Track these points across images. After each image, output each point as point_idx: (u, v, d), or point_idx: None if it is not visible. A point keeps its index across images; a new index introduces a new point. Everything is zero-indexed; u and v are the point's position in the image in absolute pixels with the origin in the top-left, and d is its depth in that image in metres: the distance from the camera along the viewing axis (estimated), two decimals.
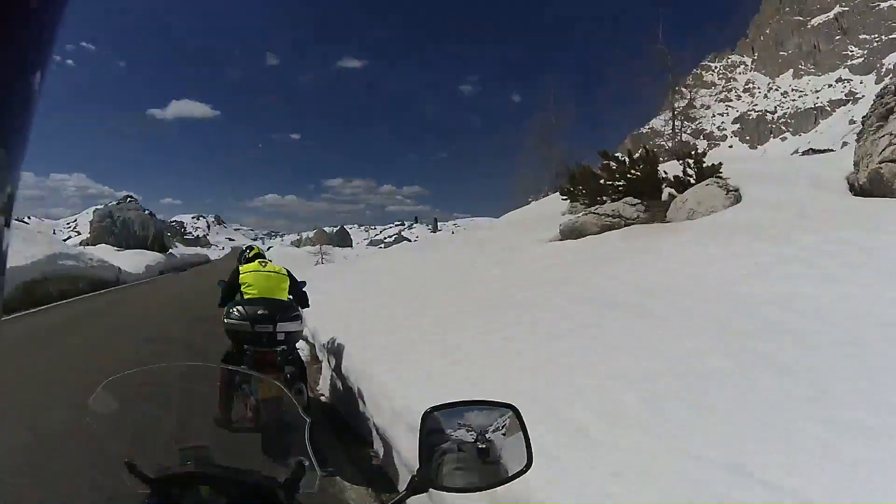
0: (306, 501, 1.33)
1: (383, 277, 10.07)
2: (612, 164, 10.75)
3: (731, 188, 8.35)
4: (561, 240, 9.29)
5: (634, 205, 9.10)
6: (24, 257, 15.50)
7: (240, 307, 4.80)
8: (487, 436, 1.20)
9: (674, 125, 29.41)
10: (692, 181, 9.68)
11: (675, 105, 16.96)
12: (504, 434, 1.21)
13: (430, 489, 1.16)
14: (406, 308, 6.40)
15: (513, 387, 3.32)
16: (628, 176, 10.41)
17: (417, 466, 1.19)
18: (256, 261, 5.56)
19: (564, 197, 12.25)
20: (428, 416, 1.20)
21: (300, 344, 8.87)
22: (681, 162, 10.95)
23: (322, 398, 6.41)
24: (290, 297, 5.36)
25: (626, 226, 8.70)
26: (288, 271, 5.63)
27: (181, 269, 36.70)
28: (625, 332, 4.14)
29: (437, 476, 1.17)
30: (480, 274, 7.87)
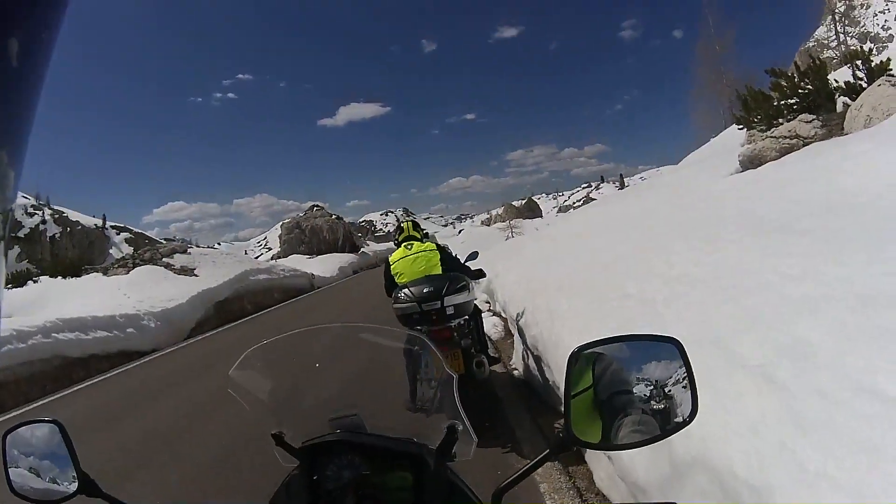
0: (458, 468, 1.27)
1: (566, 241, 9.68)
2: (782, 81, 10.12)
3: None
4: (741, 171, 8.62)
5: (810, 121, 8.28)
6: (213, 280, 17.10)
7: (406, 290, 4.88)
8: (645, 378, 1.00)
9: (836, 29, 26.62)
10: (864, 84, 8.66)
11: (835, 8, 15.46)
12: (664, 374, 1.00)
13: (575, 447, 1.02)
14: (587, 265, 6.15)
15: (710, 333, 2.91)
16: (799, 91, 9.50)
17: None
18: (402, 245, 5.55)
19: (740, 126, 11.47)
20: (576, 356, 1.01)
21: (494, 320, 9.03)
22: (849, 66, 9.99)
23: (515, 372, 6.35)
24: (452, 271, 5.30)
25: (804, 146, 7.92)
26: (439, 245, 5.57)
27: (375, 265, 36.95)
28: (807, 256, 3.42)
29: (583, 431, 1.00)
30: (657, 220, 7.34)
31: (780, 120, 9.69)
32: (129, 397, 7.88)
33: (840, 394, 1.89)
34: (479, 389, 5.29)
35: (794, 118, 8.95)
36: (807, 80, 9.36)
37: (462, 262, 5.74)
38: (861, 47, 9.86)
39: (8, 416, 7.12)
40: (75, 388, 8.80)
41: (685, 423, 0.98)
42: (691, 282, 3.81)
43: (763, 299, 2.94)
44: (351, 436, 1.33)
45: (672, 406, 0.99)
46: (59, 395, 8.40)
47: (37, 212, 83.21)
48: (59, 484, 1.20)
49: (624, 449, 1.03)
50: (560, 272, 6.54)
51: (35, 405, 7.83)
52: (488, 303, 10.63)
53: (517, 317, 6.30)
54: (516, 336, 6.72)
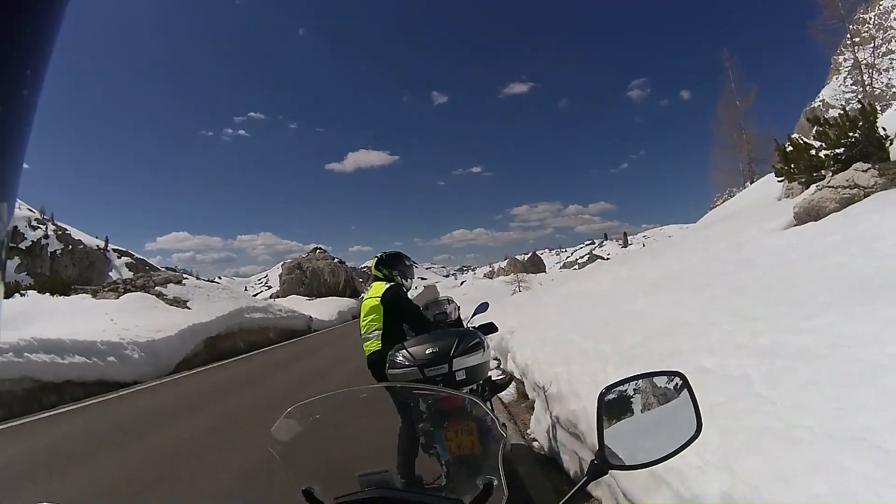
0: None
1: (597, 300, 8.93)
2: (828, 129, 9.49)
3: None
4: (796, 225, 7.97)
5: (866, 170, 7.73)
6: (206, 314, 16.59)
7: (403, 352, 3.96)
8: (659, 406, 1.22)
9: (862, 78, 26.54)
10: None
11: (857, 55, 15.06)
12: (674, 401, 1.22)
13: (609, 471, 1.13)
14: (635, 331, 5.43)
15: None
16: (844, 140, 9.19)
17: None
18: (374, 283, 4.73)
19: (780, 178, 11.13)
20: (603, 396, 1.19)
21: (510, 389, 7.95)
22: None
23: (535, 444, 5.55)
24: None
25: (865, 196, 7.39)
26: (391, 289, 4.58)
27: None
28: None
29: (614, 456, 1.14)
30: (709, 280, 6.52)
31: (823, 171, 9.45)
32: (96, 434, 7.24)
33: None
34: None
35: (838, 169, 8.66)
36: (857, 128, 9.02)
37: (439, 312, 5.00)
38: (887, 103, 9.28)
39: None
40: (43, 416, 8.26)
41: (694, 438, 1.17)
42: (795, 355, 3.09)
43: None
44: (385, 492, 1.34)
45: (682, 426, 1.17)
46: (22, 421, 7.83)
47: (40, 226, 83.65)
48: None
49: (647, 467, 1.17)
50: (600, 337, 5.79)
51: None
52: (497, 360, 9.91)
53: (547, 385, 5.48)
54: (538, 403, 5.98)
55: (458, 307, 5.30)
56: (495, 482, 1.28)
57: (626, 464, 1.15)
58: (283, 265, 47.50)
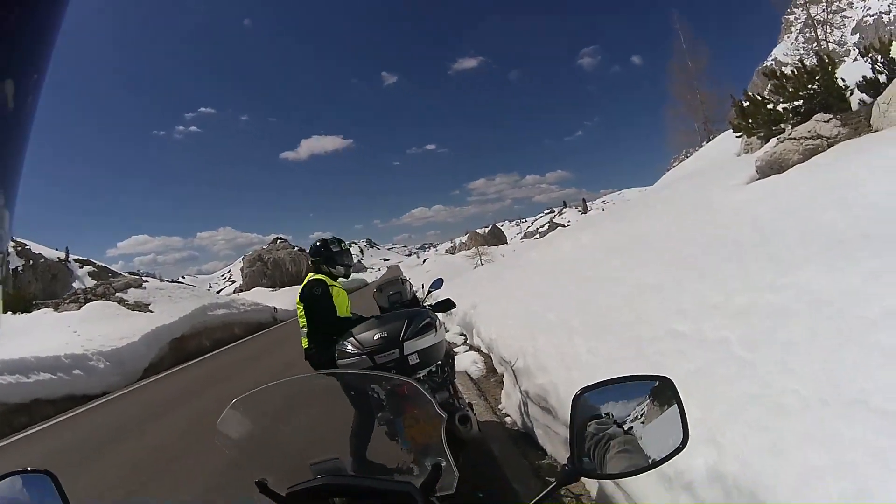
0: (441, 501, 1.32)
1: (559, 269, 8.65)
2: (787, 82, 9.47)
3: None
4: (759, 178, 7.78)
5: (828, 121, 7.60)
6: (168, 316, 16.26)
7: (351, 339, 3.79)
8: (641, 413, 1.11)
9: (816, 34, 26.87)
10: (882, 79, 8.35)
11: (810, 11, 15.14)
12: (658, 409, 1.12)
13: (582, 478, 1.08)
14: (601, 298, 5.26)
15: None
16: (802, 93, 9.15)
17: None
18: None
19: (738, 134, 11.09)
20: (579, 398, 1.11)
21: (473, 356, 7.99)
22: (866, 59, 9.43)
23: (508, 419, 5.41)
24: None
25: (829, 146, 7.27)
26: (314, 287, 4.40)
27: None
28: None
29: (588, 462, 1.09)
30: (676, 242, 6.24)
31: (782, 125, 9.38)
32: (68, 451, 7.05)
33: None
34: (467, 451, 3.84)
35: (798, 122, 8.57)
36: (815, 80, 9.03)
37: (394, 293, 4.86)
38: (881, 39, 9.25)
39: None
40: (14, 438, 8.09)
41: (678, 450, 1.08)
42: (775, 314, 2.94)
43: None
44: (336, 479, 1.37)
45: (667, 435, 1.08)
46: None
47: None
48: None
49: (625, 477, 1.12)
50: (565, 307, 5.65)
51: None
52: (464, 335, 9.89)
53: (513, 360, 5.38)
54: (507, 378, 5.86)
55: (412, 285, 5.11)
56: (443, 463, 1.30)
57: (601, 472, 1.10)
58: (244, 258, 47.16)
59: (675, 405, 1.11)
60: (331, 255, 4.72)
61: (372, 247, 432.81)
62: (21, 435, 8.18)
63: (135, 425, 7.94)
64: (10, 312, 15.65)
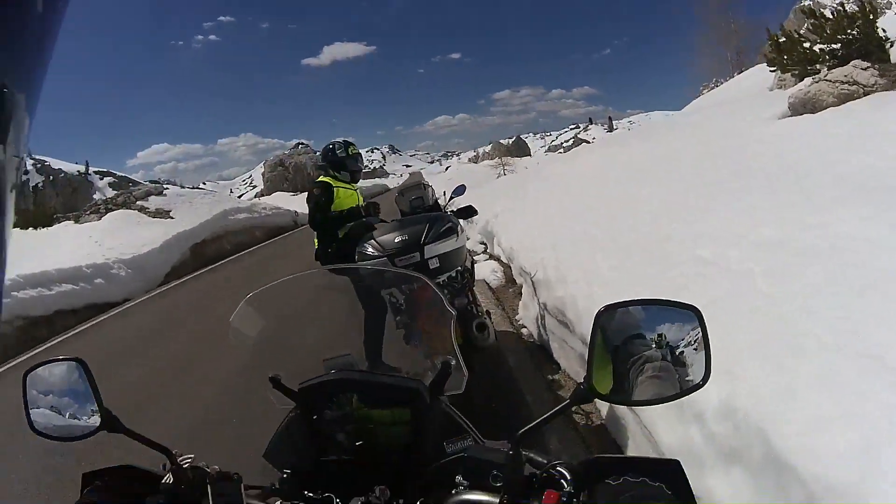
0: (451, 401, 1.35)
1: (583, 184, 8.64)
2: (823, 22, 9.06)
3: None
4: (791, 116, 7.66)
5: (866, 68, 7.43)
6: (189, 222, 16.29)
7: (372, 242, 3.79)
8: (664, 340, 1.02)
9: None
10: None
11: None
12: (683, 340, 1.03)
13: (595, 399, 1.04)
14: (626, 216, 5.16)
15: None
16: (838, 37, 8.75)
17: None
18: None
19: (773, 68, 10.72)
20: (602, 315, 1.02)
21: (492, 265, 8.13)
22: None
23: (524, 331, 5.47)
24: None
25: (865, 94, 7.11)
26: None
27: None
28: None
29: (603, 385, 1.02)
30: (704, 166, 6.15)
31: (817, 66, 9.12)
32: (89, 358, 7.02)
33: None
34: (482, 359, 4.07)
35: (834, 64, 8.37)
36: (854, 25, 8.60)
37: (416, 197, 4.71)
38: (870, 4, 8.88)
39: None
40: (36, 350, 8.10)
41: (698, 385, 1.01)
42: (801, 252, 2.87)
43: None
44: (346, 374, 1.38)
45: (687, 369, 1.01)
46: (15, 362, 7.65)
47: None
48: (80, 420, 1.17)
49: (640, 405, 1.13)
50: (588, 221, 5.61)
51: None
52: (484, 244, 9.91)
53: (533, 271, 5.37)
54: (525, 289, 5.89)
55: (434, 191, 5.00)
56: (453, 362, 1.31)
57: (615, 397, 1.04)
58: (265, 163, 46.75)
59: (702, 338, 1.03)
60: (336, 160, 4.75)
61: (394, 153, 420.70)
62: (42, 347, 8.27)
63: (153, 330, 8.19)
64: (31, 228, 15.68)
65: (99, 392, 1.16)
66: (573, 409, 1.22)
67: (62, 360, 1.22)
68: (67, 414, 1.19)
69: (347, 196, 4.66)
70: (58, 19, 0.37)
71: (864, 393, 1.79)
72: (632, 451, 2.86)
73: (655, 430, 2.58)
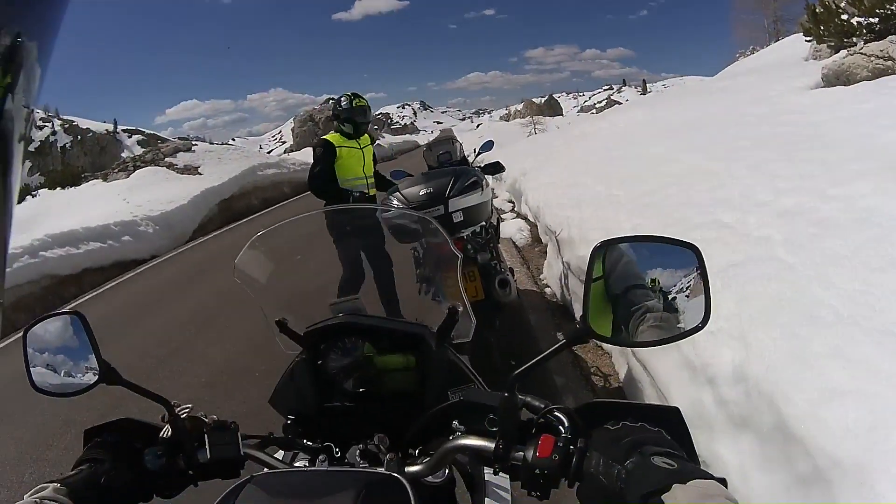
0: (457, 349, 1.34)
1: (612, 143, 8.55)
2: None
3: None
4: (824, 87, 7.54)
5: None
6: (217, 178, 16.17)
7: (397, 194, 3.79)
8: (663, 280, 0.98)
9: None
10: None
11: None
12: (682, 279, 0.98)
13: (591, 339, 0.98)
14: (650, 177, 5.14)
15: None
16: (877, 11, 8.58)
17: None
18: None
19: (808, 38, 10.56)
20: (597, 251, 0.96)
21: (519, 223, 8.20)
22: None
23: (548, 290, 5.53)
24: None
25: None
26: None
27: (389, 157, 34.39)
28: None
29: (600, 324, 0.95)
30: (732, 131, 6.03)
31: (854, 38, 9.05)
32: (116, 314, 7.37)
33: None
34: (504, 316, 4.03)
35: (871, 38, 8.28)
36: (894, 1, 8.48)
37: (443, 152, 4.64)
38: None
39: None
40: (64, 309, 8.18)
41: (697, 328, 0.95)
42: (821, 223, 2.83)
43: None
44: (353, 319, 1.35)
45: (686, 311, 0.97)
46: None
47: (46, 124, 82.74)
48: (79, 374, 1.16)
49: (637, 346, 1.03)
50: (613, 181, 5.58)
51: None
52: (512, 202, 9.91)
53: (558, 230, 5.38)
54: (550, 248, 5.91)
55: (463, 147, 4.94)
56: (460, 308, 1.29)
57: (611, 336, 0.98)
58: (295, 119, 46.86)
59: (701, 279, 0.97)
60: (341, 112, 4.71)
61: (425, 109, 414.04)
62: (70, 305, 8.31)
63: (180, 286, 8.35)
64: (59, 188, 15.88)
65: (98, 346, 1.15)
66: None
67: (60, 313, 1.19)
68: (67, 368, 1.19)
69: (351, 156, 4.59)
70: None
71: (877, 369, 1.78)
72: None
73: (668, 390, 2.62)
